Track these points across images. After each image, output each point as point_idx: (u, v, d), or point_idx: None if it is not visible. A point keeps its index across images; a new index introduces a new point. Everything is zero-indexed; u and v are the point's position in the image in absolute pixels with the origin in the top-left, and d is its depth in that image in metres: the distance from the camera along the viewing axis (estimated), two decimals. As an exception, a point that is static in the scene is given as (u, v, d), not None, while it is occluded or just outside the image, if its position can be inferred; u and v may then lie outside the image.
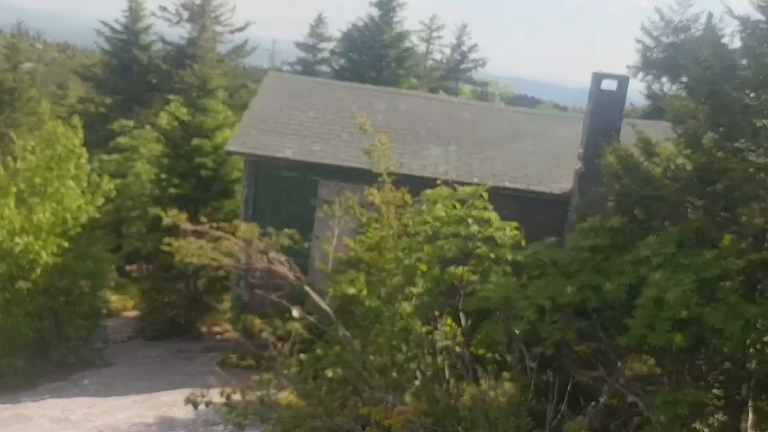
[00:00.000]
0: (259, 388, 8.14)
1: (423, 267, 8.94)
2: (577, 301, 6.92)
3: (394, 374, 8.39)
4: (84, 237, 14.77)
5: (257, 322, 8.69)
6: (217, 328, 19.23)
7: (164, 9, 27.22)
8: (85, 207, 14.31)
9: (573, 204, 13.38)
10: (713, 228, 7.10)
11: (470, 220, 8.86)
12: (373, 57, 28.15)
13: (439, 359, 8.41)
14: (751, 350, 6.59)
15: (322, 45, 37.74)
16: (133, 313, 20.50)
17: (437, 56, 36.78)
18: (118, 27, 27.64)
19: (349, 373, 8.35)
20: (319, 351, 8.85)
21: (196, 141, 17.60)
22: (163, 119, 22.74)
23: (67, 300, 15.04)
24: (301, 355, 8.78)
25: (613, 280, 6.86)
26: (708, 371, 7.06)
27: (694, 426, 7.11)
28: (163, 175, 18.57)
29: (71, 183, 14.27)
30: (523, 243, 9.10)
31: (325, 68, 33.67)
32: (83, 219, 14.32)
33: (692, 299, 6.28)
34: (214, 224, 9.91)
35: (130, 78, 27.47)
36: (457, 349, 8.50)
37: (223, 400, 8.57)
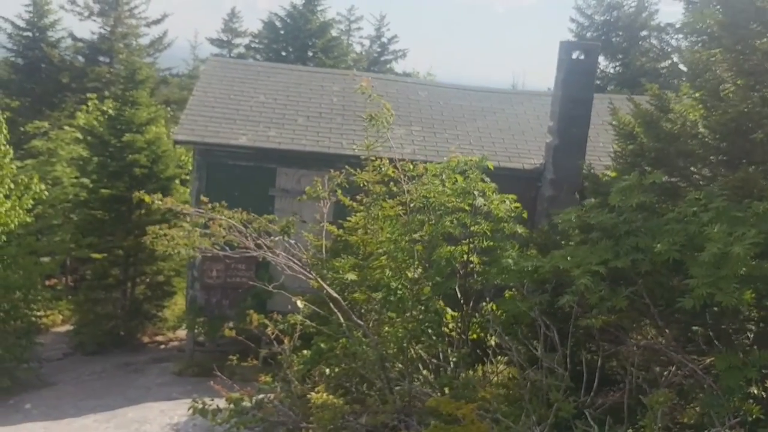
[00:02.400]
0: (266, 390, 7.20)
1: (419, 247, 8.20)
2: (628, 266, 6.31)
3: (399, 365, 7.64)
4: (13, 245, 13.27)
5: (256, 317, 7.68)
6: (159, 338, 17.89)
7: (73, 2, 25.35)
8: (14, 211, 12.80)
9: (546, 178, 12.92)
10: (760, 178, 6.65)
11: (476, 192, 8.15)
12: (297, 48, 27.14)
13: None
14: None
15: (237, 40, 36.49)
16: (64, 328, 18.86)
17: (357, 48, 36.04)
18: (21, 23, 25.53)
19: (362, 365, 7.53)
20: (322, 345, 7.96)
21: (128, 136, 16.23)
22: (81, 118, 21.09)
23: (-3, 317, 13.51)
24: (305, 351, 7.88)
25: (663, 241, 6.29)
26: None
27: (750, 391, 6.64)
28: (93, 176, 17.08)
29: (-6, 186, 12.76)
30: (524, 216, 8.53)
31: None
32: (12, 225, 12.82)
33: (755, 253, 5.79)
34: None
35: (38, 78, 25.45)
36: (454, 334, 7.87)
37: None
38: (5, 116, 13.56)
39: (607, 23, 21.91)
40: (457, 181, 8.26)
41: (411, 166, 8.16)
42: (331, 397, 5.85)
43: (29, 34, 25.68)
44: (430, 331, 7.06)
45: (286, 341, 7.46)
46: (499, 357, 8.11)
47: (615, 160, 8.92)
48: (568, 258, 6.53)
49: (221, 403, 9.38)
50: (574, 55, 12.35)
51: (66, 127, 20.74)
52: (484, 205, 8.11)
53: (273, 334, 7.49)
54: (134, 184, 16.55)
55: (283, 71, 15.42)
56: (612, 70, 23.10)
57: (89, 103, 20.65)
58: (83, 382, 14.12)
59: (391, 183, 9.35)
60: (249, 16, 33.29)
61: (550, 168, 12.75)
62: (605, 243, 6.40)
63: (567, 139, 12.52)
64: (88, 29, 26.55)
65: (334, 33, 28.02)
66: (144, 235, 16.60)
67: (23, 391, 13.59)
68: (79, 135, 20.30)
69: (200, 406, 7.22)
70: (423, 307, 7.16)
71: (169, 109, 21.76)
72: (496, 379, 7.07)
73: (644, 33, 22.65)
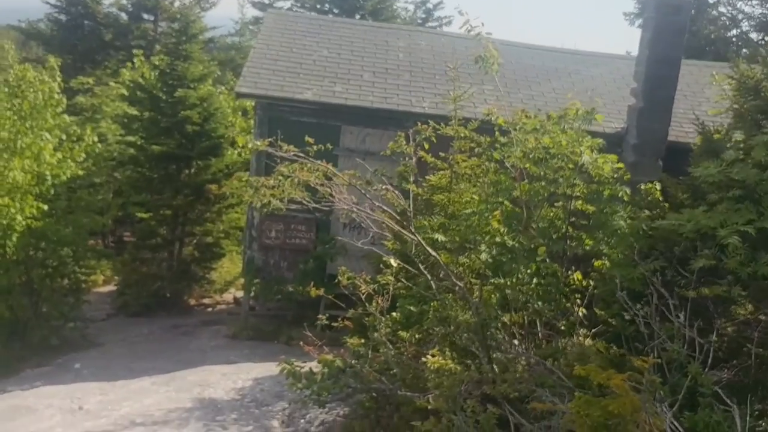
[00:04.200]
0: (360, 353, 6.56)
1: (508, 206, 7.46)
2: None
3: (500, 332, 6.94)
4: (64, 198, 12.73)
5: (346, 273, 7.02)
6: (206, 300, 17.40)
7: (118, -43, 24.72)
8: (66, 163, 12.23)
9: (628, 143, 12.09)
10: None
11: (582, 148, 7.37)
12: (345, 9, 26.27)
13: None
14: None
15: (280, 3, 35.69)
16: (105, 289, 18.45)
17: (401, 14, 35.05)
18: (65, -22, 24.92)
19: (455, 330, 6.86)
20: (411, 308, 7.30)
21: (180, 91, 15.61)
22: (127, 75, 20.50)
23: (45, 273, 12.99)
24: (393, 314, 7.22)
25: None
26: None
27: None
28: (140, 133, 16.51)
29: (48, 135, 12.16)
30: (626, 177, 7.75)
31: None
32: (64, 177, 12.25)
33: None
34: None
35: (80, 35, 24.88)
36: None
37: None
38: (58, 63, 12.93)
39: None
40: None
41: (525, 116, 7.37)
42: (448, 361, 5.20)
43: (72, -12, 25.06)
44: (551, 294, 6.35)
45: (378, 301, 6.78)
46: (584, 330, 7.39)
47: (735, 117, 8.08)
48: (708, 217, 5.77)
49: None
50: (664, 11, 11.44)
51: (111, 83, 20.13)
52: (590, 163, 7.35)
53: (364, 293, 6.80)
54: (185, 141, 16.00)
55: (345, 25, 14.67)
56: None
57: (135, 60, 20.01)
58: (131, 343, 13.64)
59: (479, 139, 8.68)
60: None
61: (633, 132, 11.91)
62: (747, 203, 5.63)
63: (652, 101, 11.66)
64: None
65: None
66: (193, 195, 16.39)
67: (71, 350, 13.15)
68: (124, 91, 19.71)
69: (291, 368, 6.56)
70: (535, 270, 6.44)
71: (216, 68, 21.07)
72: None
73: (713, 0, 21.56)
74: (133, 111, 18.89)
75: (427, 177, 9.40)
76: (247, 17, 31.17)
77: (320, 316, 7.68)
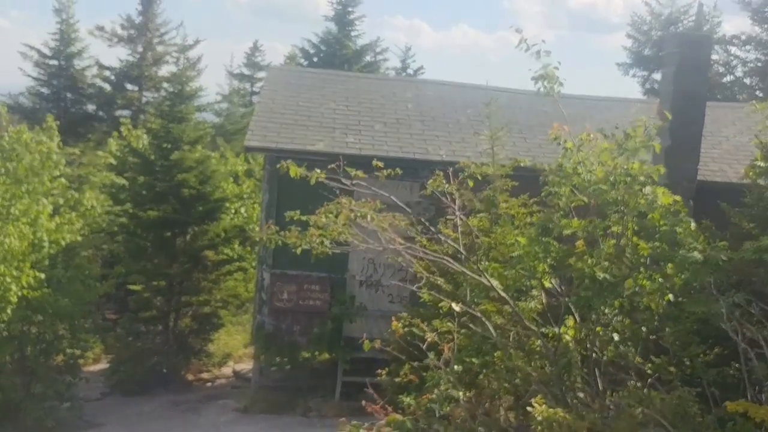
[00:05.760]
0: (433, 409, 5.77)
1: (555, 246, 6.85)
2: None
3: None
4: (61, 267, 11.89)
5: (418, 324, 6.29)
6: (205, 375, 16.35)
7: (101, 29, 24.35)
8: (66, 226, 11.45)
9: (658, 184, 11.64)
10: None
11: (641, 180, 6.83)
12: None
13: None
14: None
15: (260, 74, 35.67)
16: (95, 367, 17.32)
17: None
18: (47, 51, 24.51)
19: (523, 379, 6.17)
20: (473, 360, 6.58)
21: (176, 154, 14.97)
22: (114, 144, 19.91)
23: (40, 349, 12.03)
24: (456, 367, 6.47)
25: None
26: None
27: None
28: (129, 203, 15.76)
29: (44, 201, 11.42)
30: (683, 211, 7.19)
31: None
32: (63, 243, 11.46)
33: None
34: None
35: (63, 107, 24.35)
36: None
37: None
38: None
39: (665, 39, 20.93)
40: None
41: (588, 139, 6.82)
42: (555, 410, 4.49)
43: (55, 62, 24.66)
44: (639, 334, 5.70)
45: (445, 349, 6.04)
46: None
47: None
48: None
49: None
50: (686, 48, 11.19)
51: (99, 153, 19.48)
52: (650, 194, 6.81)
53: (430, 340, 6.07)
54: (180, 206, 15.28)
55: (350, 78, 14.35)
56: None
57: (122, 128, 19.45)
58: (133, 423, 12.65)
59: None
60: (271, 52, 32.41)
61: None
62: None
63: (680, 139, 11.24)
64: (116, 57, 25.48)
65: (369, 58, 27.01)
66: (189, 263, 15.57)
67: (69, 433, 12.13)
68: (112, 160, 19.09)
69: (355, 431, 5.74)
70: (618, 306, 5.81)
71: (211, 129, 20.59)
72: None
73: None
74: (121, 180, 18.22)
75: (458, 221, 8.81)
76: (233, 85, 30.99)
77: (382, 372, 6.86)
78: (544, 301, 7.09)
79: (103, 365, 17.20)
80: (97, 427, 12.44)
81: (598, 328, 5.78)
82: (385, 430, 5.53)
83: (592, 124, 13.26)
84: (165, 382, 15.45)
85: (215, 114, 25.10)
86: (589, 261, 5.79)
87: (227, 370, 16.85)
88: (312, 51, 26.22)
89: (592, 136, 6.76)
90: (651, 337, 6.44)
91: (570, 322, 6.65)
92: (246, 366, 17.19)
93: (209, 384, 15.97)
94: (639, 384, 6.07)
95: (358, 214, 6.41)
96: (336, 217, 6.38)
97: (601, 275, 5.58)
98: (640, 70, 22.13)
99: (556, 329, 6.16)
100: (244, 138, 13.37)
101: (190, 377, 16.11)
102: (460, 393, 5.80)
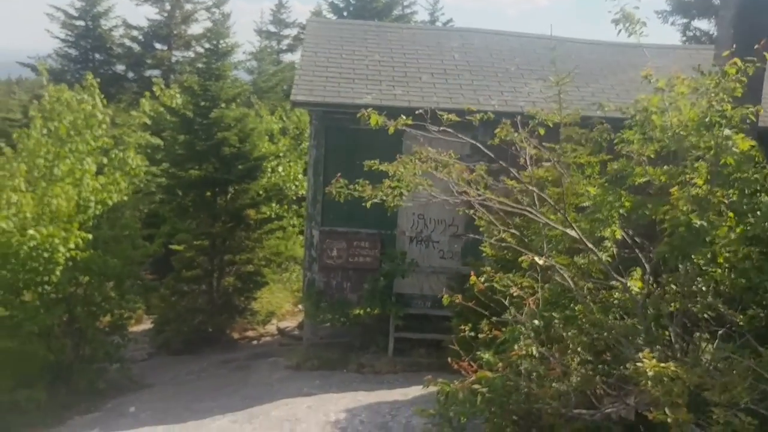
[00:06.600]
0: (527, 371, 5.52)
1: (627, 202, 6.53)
2: None
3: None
4: (107, 227, 11.76)
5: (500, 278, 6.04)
6: (250, 333, 16.34)
7: (128, -14, 24.02)
8: (112, 186, 11.28)
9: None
10: None
11: (723, 121, 6.44)
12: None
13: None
14: None
15: (286, 31, 35.18)
16: (139, 327, 17.36)
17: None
18: (73, 12, 24.18)
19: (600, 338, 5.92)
20: (554, 314, 6.33)
21: (216, 112, 14.72)
22: (146, 105, 19.71)
23: (89, 310, 11.97)
24: (535, 321, 6.23)
25: None
26: None
27: None
28: (164, 163, 15.60)
29: (89, 160, 11.24)
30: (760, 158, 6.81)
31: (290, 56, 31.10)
32: (110, 203, 11.30)
33: None
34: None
35: (92, 68, 24.06)
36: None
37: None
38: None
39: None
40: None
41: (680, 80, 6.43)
42: (670, 364, 4.25)
43: (82, 23, 24.34)
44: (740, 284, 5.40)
45: (529, 303, 5.78)
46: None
47: None
48: None
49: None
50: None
51: (133, 113, 19.28)
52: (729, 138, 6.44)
53: (516, 294, 5.82)
54: (222, 165, 15.08)
55: (391, 29, 13.91)
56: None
57: (154, 88, 19.19)
58: (183, 382, 12.61)
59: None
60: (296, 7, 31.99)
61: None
62: None
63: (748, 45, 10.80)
64: (143, 16, 25.13)
65: (399, 11, 26.42)
66: (232, 222, 15.43)
67: (118, 393, 12.12)
68: (147, 120, 18.90)
69: (448, 387, 5.51)
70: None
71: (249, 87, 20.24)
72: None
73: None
74: (157, 140, 18.04)
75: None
76: (261, 43, 30.55)
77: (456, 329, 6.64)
78: (615, 252, 6.84)
79: (145, 326, 17.25)
80: (148, 387, 12.42)
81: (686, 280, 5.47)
82: (474, 387, 5.30)
83: (639, 72, 12.83)
84: (210, 341, 15.46)
85: (247, 72, 24.72)
86: (684, 208, 5.45)
87: (271, 328, 16.84)
88: (342, 5, 25.68)
89: (683, 76, 6.36)
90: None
91: (637, 274, 6.40)
92: (290, 324, 17.16)
93: (255, 342, 15.96)
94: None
95: (438, 164, 6.12)
96: (414, 166, 6.10)
97: (697, 222, 5.26)
98: (681, 17, 21.42)
99: (631, 283, 5.90)
100: (276, 96, 13.12)
101: (235, 336, 16.12)
102: (542, 349, 5.57)
